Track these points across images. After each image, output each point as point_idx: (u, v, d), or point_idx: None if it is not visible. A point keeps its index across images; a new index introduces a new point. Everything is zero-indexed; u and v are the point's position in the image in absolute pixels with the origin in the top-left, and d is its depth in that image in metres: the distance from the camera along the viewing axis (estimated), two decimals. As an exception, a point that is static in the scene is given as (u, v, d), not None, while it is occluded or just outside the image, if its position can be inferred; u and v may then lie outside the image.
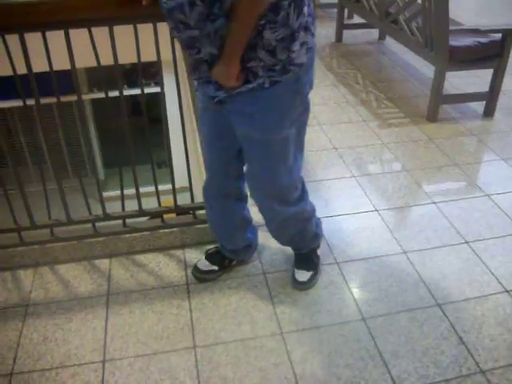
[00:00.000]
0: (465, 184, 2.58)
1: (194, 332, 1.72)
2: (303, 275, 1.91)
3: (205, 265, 1.92)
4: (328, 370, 1.60)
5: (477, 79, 3.57)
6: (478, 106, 3.27)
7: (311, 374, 1.58)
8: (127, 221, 2.03)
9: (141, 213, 2.01)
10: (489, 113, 3.12)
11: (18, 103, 1.74)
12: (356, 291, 1.89)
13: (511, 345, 1.66)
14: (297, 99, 1.45)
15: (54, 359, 1.63)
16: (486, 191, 2.47)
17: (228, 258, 1.93)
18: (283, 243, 1.95)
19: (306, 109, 1.52)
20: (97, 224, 2.00)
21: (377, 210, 2.34)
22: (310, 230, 1.88)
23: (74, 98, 1.81)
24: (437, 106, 3.01)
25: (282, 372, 1.59)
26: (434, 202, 2.39)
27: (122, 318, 1.77)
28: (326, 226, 2.19)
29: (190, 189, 2.05)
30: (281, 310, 1.81)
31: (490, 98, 3.06)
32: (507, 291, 1.87)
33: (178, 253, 2.07)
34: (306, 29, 1.34)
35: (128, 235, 2.02)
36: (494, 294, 1.86)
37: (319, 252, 2.00)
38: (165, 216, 2.06)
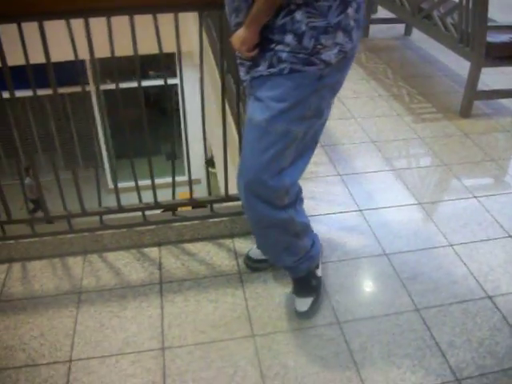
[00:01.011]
0: (503, 179, 2.58)
1: (251, 321, 1.72)
2: (303, 304, 1.75)
3: (256, 254, 1.92)
4: (388, 359, 1.60)
5: (504, 76, 3.57)
6: (510, 103, 3.28)
7: (371, 363, 1.59)
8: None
9: (191, 202, 2.01)
10: (521, 109, 3.13)
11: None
12: (407, 282, 1.89)
13: None
14: (312, 98, 1.37)
15: (112, 346, 1.63)
16: (524, 186, 2.48)
17: None
18: (272, 259, 1.81)
19: (318, 116, 1.44)
20: (146, 213, 2.01)
21: (420, 204, 2.34)
22: (301, 248, 1.69)
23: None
24: (471, 102, 3.01)
25: (342, 361, 1.59)
26: (474, 196, 2.39)
27: (178, 307, 1.77)
28: (371, 218, 2.21)
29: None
30: (336, 300, 1.81)
31: (523, 95, 3.06)
32: (558, 284, 1.88)
33: (228, 242, 2.07)
34: (346, 32, 1.29)
35: (178, 224, 2.02)
36: (545, 286, 1.88)
37: (319, 272, 1.80)
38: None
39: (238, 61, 1.45)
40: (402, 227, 2.19)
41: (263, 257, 1.90)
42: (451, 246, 2.08)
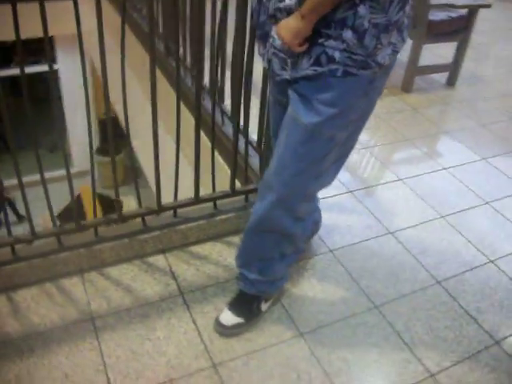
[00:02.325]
0: (462, 149, 2.77)
1: (293, 319, 1.64)
2: (229, 318, 1.58)
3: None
4: (432, 334, 1.64)
5: (428, 52, 3.83)
6: (440, 77, 3.53)
7: (420, 341, 1.61)
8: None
9: (197, 200, 1.83)
10: (451, 82, 3.39)
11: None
12: (419, 257, 1.96)
13: None
14: (361, 102, 1.29)
15: (156, 374, 1.44)
16: (482, 155, 2.70)
17: None
18: (242, 262, 1.61)
19: (363, 120, 1.37)
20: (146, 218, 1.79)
21: (400, 179, 2.42)
22: (277, 271, 1.58)
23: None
24: (412, 78, 3.18)
25: (393, 344, 1.60)
26: (444, 168, 2.55)
27: (210, 317, 1.61)
28: (363, 199, 2.24)
29: (233, 173, 1.92)
30: (364, 284, 1.80)
31: (454, 69, 3.31)
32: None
33: (235, 239, 1.93)
34: (399, 30, 1.20)
35: (183, 226, 1.83)
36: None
37: (264, 307, 1.64)
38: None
39: (272, 51, 1.27)
40: (394, 205, 2.25)
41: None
42: (443, 217, 2.20)
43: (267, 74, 1.51)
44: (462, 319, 1.71)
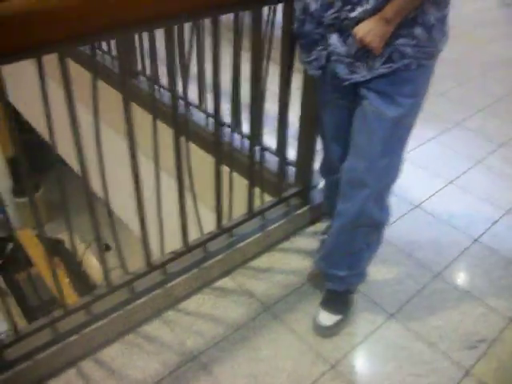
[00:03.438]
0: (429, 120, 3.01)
1: (378, 304, 1.72)
2: (328, 318, 1.63)
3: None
4: (494, 284, 1.82)
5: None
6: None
7: (488, 293, 1.78)
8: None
9: (252, 215, 1.83)
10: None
11: None
12: (451, 222, 2.13)
13: None
14: (427, 88, 1.39)
15: (284, 389, 1.45)
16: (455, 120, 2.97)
17: None
18: (328, 264, 1.64)
19: (423, 102, 1.43)
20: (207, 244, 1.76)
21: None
22: (365, 261, 1.64)
23: None
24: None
25: (469, 301, 1.75)
26: (429, 140, 2.78)
27: (305, 322, 1.65)
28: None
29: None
30: (418, 256, 1.94)
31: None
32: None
33: (287, 244, 1.97)
34: (448, 19, 1.32)
35: (242, 244, 1.82)
36: None
37: (354, 298, 1.73)
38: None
39: (334, 58, 1.33)
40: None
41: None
42: (451, 182, 2.40)
43: (317, 81, 1.55)
44: None
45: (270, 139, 2.07)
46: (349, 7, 1.25)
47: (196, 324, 1.65)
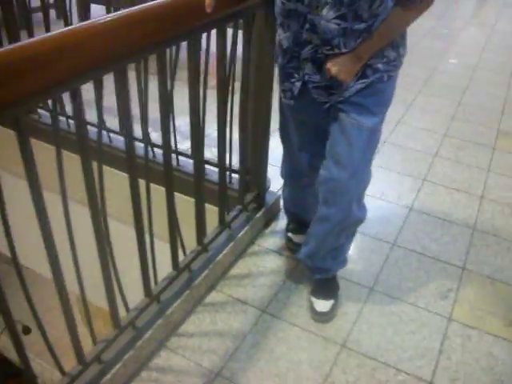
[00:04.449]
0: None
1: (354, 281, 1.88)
2: (324, 305, 1.75)
3: (299, 239, 2.00)
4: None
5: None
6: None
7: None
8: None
9: (222, 228, 1.84)
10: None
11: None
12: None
13: None
14: (393, 96, 1.51)
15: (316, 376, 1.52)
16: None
17: None
18: (317, 261, 1.75)
19: None
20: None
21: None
22: (347, 248, 1.79)
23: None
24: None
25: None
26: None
27: (303, 314, 1.74)
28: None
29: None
30: (373, 232, 2.15)
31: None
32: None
33: (255, 247, 2.03)
34: (406, 33, 1.45)
35: (220, 256, 1.84)
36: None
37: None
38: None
39: (311, 85, 1.43)
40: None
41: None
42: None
43: (287, 106, 1.59)
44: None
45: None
46: (328, 47, 1.33)
47: (203, 343, 1.63)
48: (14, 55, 0.91)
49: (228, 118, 1.77)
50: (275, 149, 1.99)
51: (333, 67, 1.35)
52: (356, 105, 1.44)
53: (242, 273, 1.93)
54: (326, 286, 1.79)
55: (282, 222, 2.17)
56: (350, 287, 1.86)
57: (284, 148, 1.83)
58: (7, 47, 0.92)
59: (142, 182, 1.42)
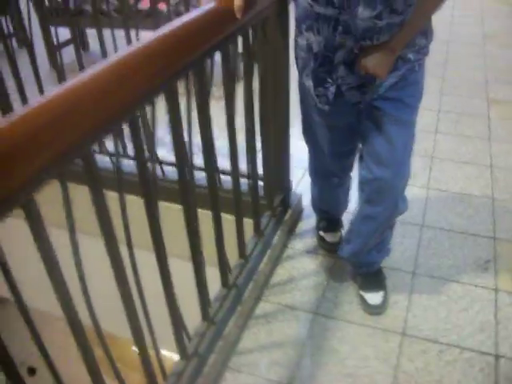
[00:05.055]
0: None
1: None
2: (376, 297, 1.75)
3: (331, 237, 2.01)
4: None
5: None
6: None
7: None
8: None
9: (258, 236, 1.82)
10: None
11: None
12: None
13: None
14: (424, 84, 1.50)
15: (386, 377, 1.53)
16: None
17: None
18: (363, 257, 1.75)
19: None
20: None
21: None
22: (390, 240, 1.80)
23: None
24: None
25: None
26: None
27: (356, 309, 1.75)
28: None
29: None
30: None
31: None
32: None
33: (290, 252, 2.02)
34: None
35: (260, 266, 1.82)
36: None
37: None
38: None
39: (345, 87, 1.40)
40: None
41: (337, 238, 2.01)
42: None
43: (319, 109, 1.53)
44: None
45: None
46: (360, 45, 1.30)
47: (264, 357, 1.61)
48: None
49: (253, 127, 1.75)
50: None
51: (368, 63, 1.32)
52: (391, 100, 1.43)
53: (284, 278, 1.91)
54: (374, 279, 1.79)
55: (307, 221, 2.17)
56: (393, 275, 1.87)
57: (310, 149, 1.82)
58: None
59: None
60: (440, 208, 2.21)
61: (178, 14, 2.23)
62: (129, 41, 2.27)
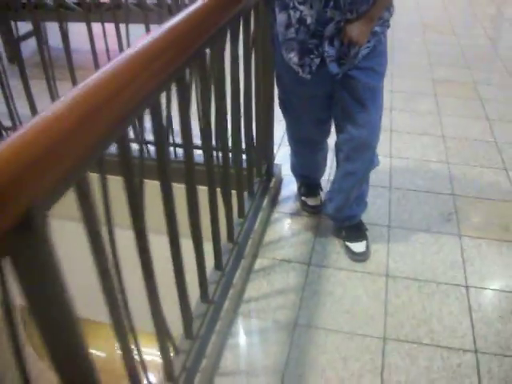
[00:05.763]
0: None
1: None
2: (359, 246, 1.96)
3: (313, 201, 2.21)
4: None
5: None
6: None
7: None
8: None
9: (252, 199, 1.97)
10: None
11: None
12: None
13: None
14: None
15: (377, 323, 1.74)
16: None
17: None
18: (346, 212, 1.96)
19: None
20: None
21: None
22: (367, 190, 2.00)
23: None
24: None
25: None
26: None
27: (343, 259, 1.96)
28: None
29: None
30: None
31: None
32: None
33: (278, 215, 2.20)
34: None
35: (256, 226, 1.98)
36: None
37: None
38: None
39: (329, 59, 1.57)
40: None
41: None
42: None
43: (298, 79, 1.68)
44: (420, 164, 2.55)
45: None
46: (347, 15, 1.49)
47: (271, 303, 1.78)
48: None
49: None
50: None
51: (352, 33, 1.52)
52: (364, 69, 1.64)
53: (276, 237, 2.09)
54: (357, 230, 2.02)
55: (288, 188, 2.36)
56: (371, 229, 2.10)
57: (288, 119, 1.99)
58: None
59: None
60: (404, 172, 2.48)
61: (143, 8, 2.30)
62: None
